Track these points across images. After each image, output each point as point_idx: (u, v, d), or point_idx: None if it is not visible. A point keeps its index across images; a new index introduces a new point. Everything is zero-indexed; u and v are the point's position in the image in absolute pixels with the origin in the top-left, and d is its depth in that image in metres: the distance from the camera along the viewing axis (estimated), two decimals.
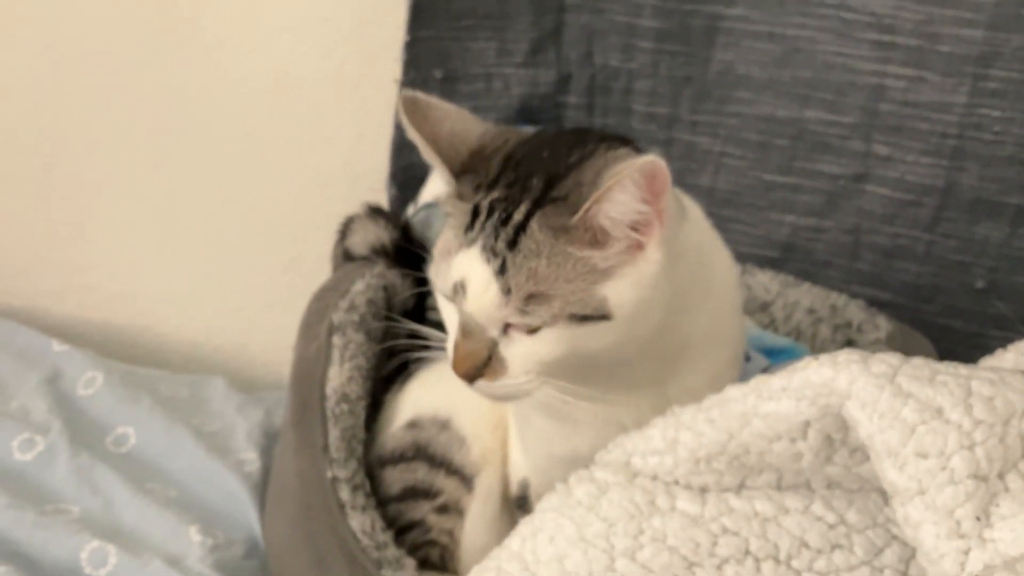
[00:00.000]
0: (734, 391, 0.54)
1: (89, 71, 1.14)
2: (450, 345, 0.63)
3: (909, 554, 0.50)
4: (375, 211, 0.94)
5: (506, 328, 0.61)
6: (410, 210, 1.03)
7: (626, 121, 1.09)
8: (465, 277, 0.61)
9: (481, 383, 0.62)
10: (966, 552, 0.44)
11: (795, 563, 0.50)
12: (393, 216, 0.96)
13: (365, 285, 0.87)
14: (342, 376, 0.81)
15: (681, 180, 1.08)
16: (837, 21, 0.98)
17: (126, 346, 1.20)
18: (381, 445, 0.83)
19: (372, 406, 0.85)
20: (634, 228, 0.59)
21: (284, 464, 0.83)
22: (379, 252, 0.91)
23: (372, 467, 0.82)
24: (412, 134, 0.64)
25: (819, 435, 0.51)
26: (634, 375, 0.65)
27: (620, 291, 0.60)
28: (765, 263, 1.07)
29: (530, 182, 0.61)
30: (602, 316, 0.60)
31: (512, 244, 0.60)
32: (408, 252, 0.87)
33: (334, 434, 0.79)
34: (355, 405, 0.81)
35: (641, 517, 0.52)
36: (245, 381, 1.12)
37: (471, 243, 0.61)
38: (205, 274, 1.21)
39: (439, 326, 0.67)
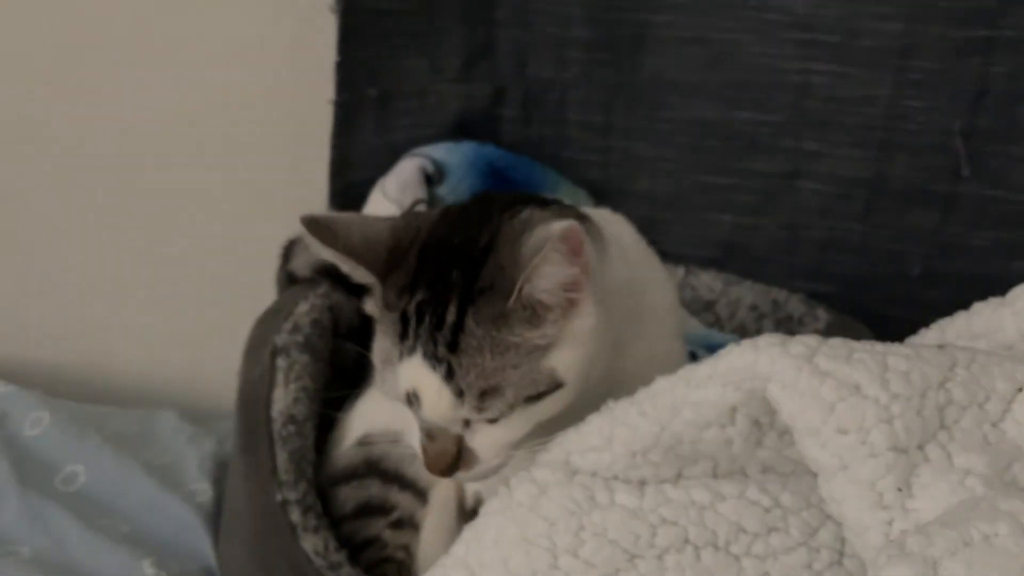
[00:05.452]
0: (663, 382, 0.55)
1: (25, 105, 1.13)
2: (416, 444, 0.64)
3: (843, 532, 0.51)
4: None
5: (467, 422, 0.62)
6: None
7: (563, 131, 1.10)
8: (415, 386, 0.61)
9: (459, 474, 0.63)
10: (889, 523, 0.45)
11: (733, 548, 0.51)
12: None
13: (309, 306, 0.87)
14: (287, 398, 0.80)
15: (620, 186, 1.11)
16: (760, 23, 1.00)
17: (74, 384, 1.18)
18: (333, 464, 0.82)
19: (322, 426, 0.85)
20: (566, 289, 0.60)
21: (234, 490, 0.82)
22: (323, 273, 0.91)
23: (324, 487, 0.81)
24: (326, 253, 0.63)
25: (747, 419, 0.52)
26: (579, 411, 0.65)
27: (565, 357, 0.61)
28: (707, 263, 1.09)
29: (450, 277, 0.61)
30: (555, 387, 0.60)
31: (452, 346, 0.60)
32: None
33: (282, 456, 0.78)
34: (302, 426, 0.80)
35: (581, 513, 0.53)
36: (197, 412, 1.10)
37: (411, 352, 0.61)
38: (151, 306, 1.19)
39: None
